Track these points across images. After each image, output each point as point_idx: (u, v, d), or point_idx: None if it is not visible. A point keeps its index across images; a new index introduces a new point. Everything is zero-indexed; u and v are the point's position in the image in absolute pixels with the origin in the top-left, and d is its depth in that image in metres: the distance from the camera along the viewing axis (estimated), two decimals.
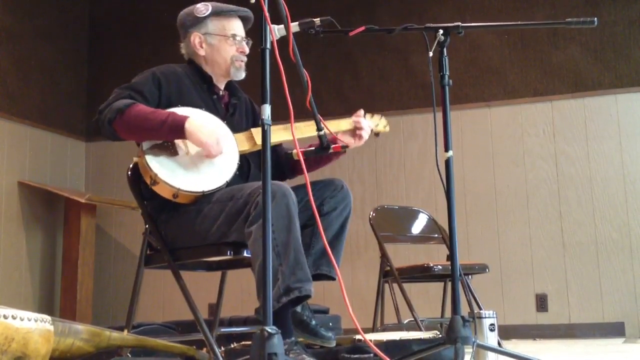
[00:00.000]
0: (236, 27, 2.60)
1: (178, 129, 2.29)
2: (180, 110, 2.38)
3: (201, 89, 2.56)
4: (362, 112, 2.67)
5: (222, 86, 2.63)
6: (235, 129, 2.50)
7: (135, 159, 2.38)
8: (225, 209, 2.29)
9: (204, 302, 4.83)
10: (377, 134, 2.77)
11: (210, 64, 2.59)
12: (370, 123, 2.67)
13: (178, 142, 2.37)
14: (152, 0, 5.92)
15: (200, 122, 2.32)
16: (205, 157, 2.35)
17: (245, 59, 2.60)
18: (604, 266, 4.75)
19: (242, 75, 2.60)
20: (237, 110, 2.63)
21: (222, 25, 2.57)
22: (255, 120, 2.68)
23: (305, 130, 2.50)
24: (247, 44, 2.61)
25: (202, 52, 2.58)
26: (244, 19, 2.63)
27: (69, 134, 5.72)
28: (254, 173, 2.56)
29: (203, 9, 2.57)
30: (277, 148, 2.65)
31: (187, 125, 2.29)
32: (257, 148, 2.48)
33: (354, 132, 2.63)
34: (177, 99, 2.46)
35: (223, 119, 2.51)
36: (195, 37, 2.58)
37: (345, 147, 2.57)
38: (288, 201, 2.18)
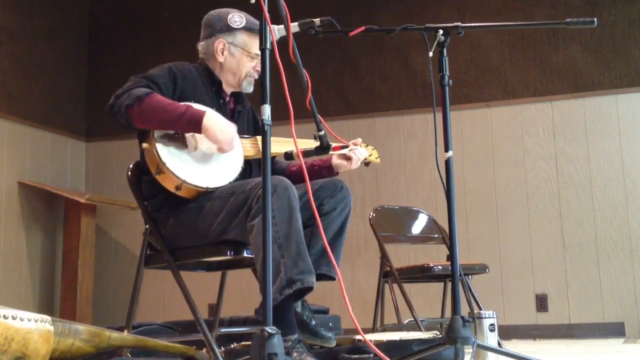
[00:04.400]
0: (255, 43, 2.60)
1: (196, 122, 2.31)
2: (195, 105, 2.40)
3: (210, 92, 2.58)
4: (359, 140, 2.69)
5: (228, 92, 2.65)
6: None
7: (144, 145, 2.38)
8: (226, 205, 2.31)
9: (204, 302, 4.83)
10: (367, 164, 2.81)
11: (225, 71, 2.60)
12: (365, 152, 2.70)
13: (188, 136, 2.39)
14: (152, 0, 5.93)
15: (217, 117, 2.36)
16: (217, 151, 2.38)
17: (257, 76, 2.62)
18: (604, 266, 4.75)
19: (251, 89, 2.64)
20: (240, 117, 2.66)
21: (249, 42, 2.58)
22: (257, 129, 2.71)
23: (302, 145, 2.52)
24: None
25: (220, 59, 2.59)
26: None
27: (69, 134, 5.72)
28: (255, 176, 2.57)
29: (238, 20, 2.58)
30: (273, 160, 2.67)
31: (205, 119, 2.31)
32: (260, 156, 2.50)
33: (347, 156, 2.65)
34: (190, 96, 2.49)
35: None
36: (220, 43, 2.58)
37: (345, 147, 2.59)
38: (289, 194, 2.20)
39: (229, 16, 2.59)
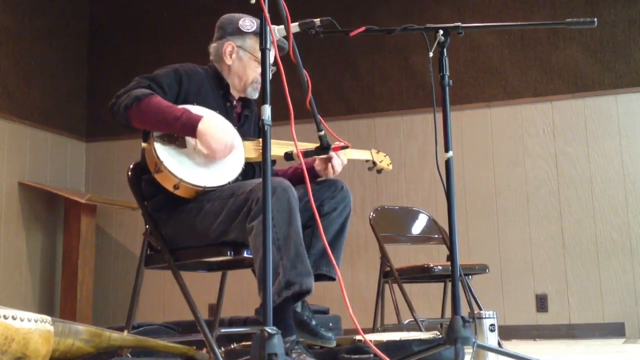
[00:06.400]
0: (270, 53, 2.58)
1: (191, 127, 2.31)
2: (195, 109, 2.40)
3: (217, 95, 2.58)
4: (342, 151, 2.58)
5: (236, 96, 2.65)
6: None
7: (143, 145, 2.40)
8: (226, 206, 2.31)
9: (204, 303, 4.83)
10: (379, 171, 2.83)
11: (232, 75, 2.60)
12: (344, 160, 2.63)
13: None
14: (152, 0, 5.92)
15: (213, 124, 2.34)
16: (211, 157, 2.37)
17: None
18: (604, 266, 4.75)
19: (256, 95, 2.63)
20: (247, 122, 2.66)
21: (258, 47, 2.56)
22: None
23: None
24: (272, 71, 2.60)
25: (228, 62, 2.59)
26: (279, 48, 2.62)
27: (69, 134, 5.71)
28: (257, 177, 2.57)
29: (249, 25, 2.59)
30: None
31: (200, 125, 2.31)
32: None
33: (327, 162, 2.57)
34: (194, 98, 2.49)
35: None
36: (229, 46, 2.59)
37: (345, 147, 2.58)
38: (289, 196, 2.20)
39: (241, 20, 2.60)
